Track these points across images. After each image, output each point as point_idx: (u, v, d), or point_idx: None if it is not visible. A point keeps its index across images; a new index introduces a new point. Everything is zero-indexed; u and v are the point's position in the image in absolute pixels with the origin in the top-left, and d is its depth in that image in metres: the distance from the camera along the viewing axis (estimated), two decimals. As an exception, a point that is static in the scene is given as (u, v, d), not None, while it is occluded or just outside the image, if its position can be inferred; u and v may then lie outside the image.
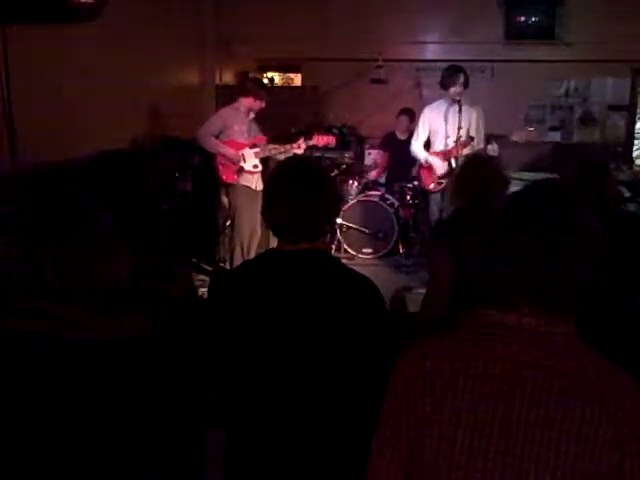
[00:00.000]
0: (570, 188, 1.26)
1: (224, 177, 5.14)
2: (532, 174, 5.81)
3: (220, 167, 5.12)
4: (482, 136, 5.01)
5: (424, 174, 5.21)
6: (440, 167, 5.00)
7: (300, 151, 5.13)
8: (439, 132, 5.04)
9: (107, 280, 1.24)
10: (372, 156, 7.03)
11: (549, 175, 4.19)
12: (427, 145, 5.22)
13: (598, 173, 2.45)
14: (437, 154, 5.07)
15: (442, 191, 4.94)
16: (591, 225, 1.10)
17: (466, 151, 4.82)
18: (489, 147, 4.82)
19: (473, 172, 2.77)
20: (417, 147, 5.22)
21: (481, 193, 2.59)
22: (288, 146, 5.19)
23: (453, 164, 4.81)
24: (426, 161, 5.11)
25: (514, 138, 4.81)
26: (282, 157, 5.16)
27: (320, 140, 5.38)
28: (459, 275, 2.33)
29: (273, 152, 5.19)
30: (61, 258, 1.21)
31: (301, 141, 5.20)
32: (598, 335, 1.46)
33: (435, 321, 2.48)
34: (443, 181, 4.95)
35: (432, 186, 5.12)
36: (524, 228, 1.09)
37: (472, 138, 4.94)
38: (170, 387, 1.33)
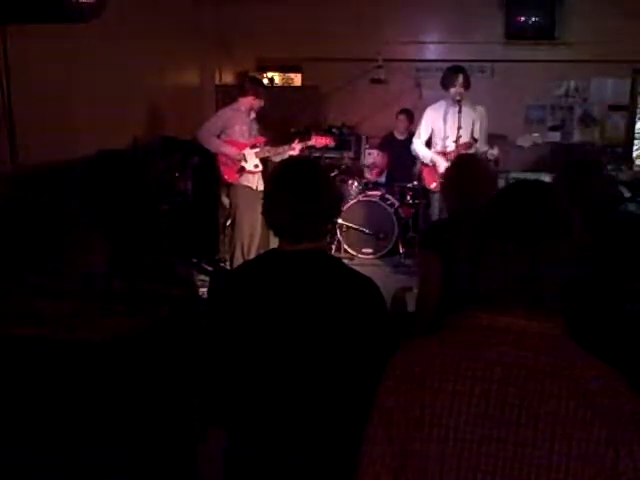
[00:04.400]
0: (558, 187, 1.26)
1: (226, 177, 5.15)
2: (533, 174, 5.81)
3: (222, 167, 5.13)
4: (485, 136, 5.00)
5: (426, 173, 5.21)
6: (443, 166, 4.99)
7: (295, 152, 5.13)
8: (439, 132, 5.04)
9: (82, 266, 1.23)
10: (372, 156, 7.04)
11: (549, 175, 4.19)
12: (428, 145, 5.22)
13: (582, 173, 2.44)
14: (438, 154, 5.07)
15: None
16: (573, 224, 1.10)
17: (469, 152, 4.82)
18: (489, 152, 4.83)
19: (461, 173, 2.78)
20: (419, 146, 5.20)
21: (469, 194, 2.60)
22: (281, 148, 5.20)
23: None
24: (431, 160, 5.09)
25: (519, 143, 4.82)
26: (277, 159, 5.17)
27: (318, 141, 5.38)
28: (450, 278, 2.35)
29: (269, 154, 5.20)
30: (56, 263, 1.21)
31: (296, 143, 5.21)
32: (599, 336, 1.46)
33: (429, 323, 2.51)
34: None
35: (434, 185, 5.11)
36: (506, 228, 1.09)
37: (475, 140, 4.92)
38: (169, 387, 1.33)
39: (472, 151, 4.85)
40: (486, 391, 1.05)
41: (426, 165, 5.18)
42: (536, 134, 5.03)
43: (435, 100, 5.27)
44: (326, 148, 5.84)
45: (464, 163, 2.93)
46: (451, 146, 4.91)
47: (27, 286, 1.21)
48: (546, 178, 3.57)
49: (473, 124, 4.94)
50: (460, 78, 4.81)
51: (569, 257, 1.07)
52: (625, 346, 1.99)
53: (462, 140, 4.81)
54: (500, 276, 1.09)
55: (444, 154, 5.00)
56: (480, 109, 4.99)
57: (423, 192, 5.96)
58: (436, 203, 5.13)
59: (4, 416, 1.20)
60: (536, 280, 1.06)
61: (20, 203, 1.27)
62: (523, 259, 1.07)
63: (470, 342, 1.10)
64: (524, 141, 4.83)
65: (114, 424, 1.24)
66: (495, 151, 4.84)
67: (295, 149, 5.18)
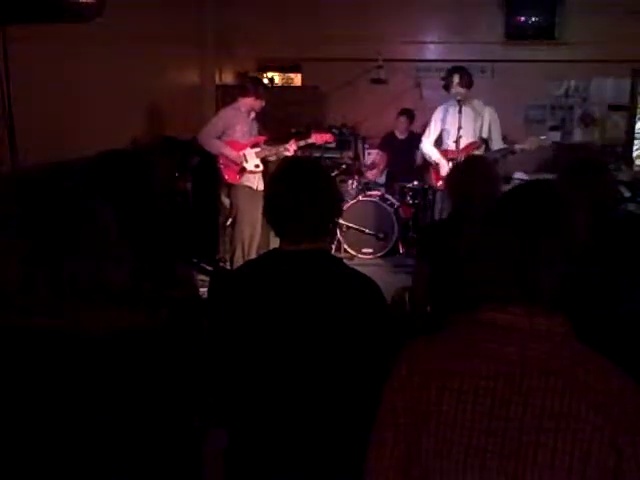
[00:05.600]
0: (561, 187, 1.26)
1: (226, 177, 5.15)
2: (533, 175, 5.81)
3: (223, 168, 5.13)
4: (498, 136, 4.99)
5: (433, 171, 5.23)
6: (445, 166, 4.99)
7: (290, 153, 5.13)
8: (451, 132, 5.04)
9: (107, 281, 1.24)
10: (372, 156, 7.03)
11: (549, 175, 4.19)
12: (437, 144, 5.23)
13: (590, 173, 2.45)
14: (444, 152, 5.08)
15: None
16: (576, 223, 1.10)
17: (477, 153, 4.82)
18: (517, 146, 4.81)
19: (465, 172, 2.80)
20: (427, 145, 5.22)
21: (470, 194, 2.62)
22: (282, 147, 5.19)
23: None
24: (435, 161, 5.12)
25: (526, 146, 4.80)
26: (274, 158, 5.18)
27: (318, 138, 5.38)
28: (452, 277, 2.37)
29: (268, 153, 5.21)
30: (59, 259, 1.21)
31: (292, 142, 5.21)
32: (600, 336, 1.46)
33: (425, 323, 2.58)
34: None
35: (440, 183, 5.12)
36: (510, 227, 1.10)
37: (483, 140, 4.92)
38: (170, 387, 1.33)
39: (480, 151, 4.84)
40: (491, 389, 1.05)
41: (434, 164, 5.21)
42: (543, 137, 5.01)
43: (435, 100, 5.28)
44: (326, 148, 5.83)
45: (468, 163, 2.96)
46: (452, 146, 4.91)
47: (36, 281, 1.21)
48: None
49: (481, 124, 4.93)
50: (456, 78, 4.81)
51: (568, 253, 1.07)
52: (625, 344, 1.99)
53: (462, 140, 4.81)
54: (498, 266, 1.09)
55: (445, 153, 5.01)
56: (489, 109, 4.98)
57: (423, 192, 5.98)
58: (439, 202, 5.13)
59: (7, 408, 1.20)
60: (534, 272, 1.06)
61: (32, 200, 1.27)
62: (521, 249, 1.07)
63: (474, 340, 1.10)
64: (529, 144, 4.81)
65: (116, 422, 1.24)
66: (526, 145, 4.81)
67: (290, 150, 5.18)
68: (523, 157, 5.94)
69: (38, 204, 1.25)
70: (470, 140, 4.88)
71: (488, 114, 4.96)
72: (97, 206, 1.30)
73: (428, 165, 5.38)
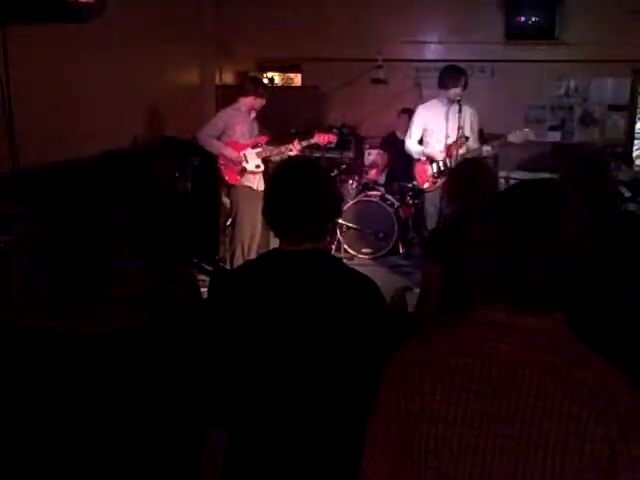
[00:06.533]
0: (566, 186, 1.26)
1: (227, 178, 5.15)
2: (532, 174, 5.81)
3: (223, 168, 5.13)
4: (476, 135, 5.03)
5: (419, 172, 5.20)
6: (439, 157, 4.98)
7: (294, 152, 5.14)
8: (437, 132, 5.03)
9: (110, 281, 1.25)
10: (372, 156, 7.03)
11: (549, 175, 4.19)
12: (421, 144, 5.22)
13: (597, 171, 2.45)
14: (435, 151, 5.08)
15: (440, 190, 4.94)
16: (568, 222, 1.10)
17: (461, 151, 4.84)
18: (484, 148, 4.84)
19: (469, 177, 2.79)
20: (411, 144, 5.20)
21: (478, 198, 2.61)
22: (283, 147, 5.19)
23: (448, 163, 4.83)
24: (423, 153, 5.10)
25: (510, 139, 4.82)
26: (277, 158, 5.18)
27: (322, 139, 5.38)
28: (451, 277, 2.37)
29: (270, 153, 5.21)
30: (64, 259, 1.22)
31: (295, 142, 5.20)
32: (599, 333, 1.46)
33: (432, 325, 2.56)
34: (438, 180, 4.95)
35: (427, 185, 5.12)
36: (500, 227, 1.10)
37: (467, 138, 4.94)
38: (172, 386, 1.33)
39: (464, 149, 4.86)
40: (483, 387, 1.06)
41: (419, 162, 5.17)
42: (526, 129, 5.01)
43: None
44: (326, 148, 5.83)
45: (474, 168, 2.95)
46: (436, 145, 4.96)
47: (38, 281, 1.22)
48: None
49: (465, 123, 4.95)
50: (463, 80, 4.84)
51: (560, 252, 1.07)
52: (624, 343, 2.00)
53: (451, 139, 4.84)
54: (490, 266, 1.09)
55: (445, 151, 5.02)
56: (471, 109, 5.01)
57: (423, 192, 5.98)
58: (430, 204, 5.13)
59: (8, 408, 1.21)
60: (523, 273, 1.06)
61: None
62: (512, 249, 1.07)
63: (467, 339, 1.11)
64: (515, 138, 4.83)
65: (116, 422, 1.24)
66: (489, 147, 4.86)
67: (294, 149, 5.18)
68: (521, 157, 5.95)
69: (42, 204, 1.26)
70: (460, 139, 4.90)
71: (470, 113, 4.98)
72: (103, 207, 1.31)
73: (415, 165, 5.35)
